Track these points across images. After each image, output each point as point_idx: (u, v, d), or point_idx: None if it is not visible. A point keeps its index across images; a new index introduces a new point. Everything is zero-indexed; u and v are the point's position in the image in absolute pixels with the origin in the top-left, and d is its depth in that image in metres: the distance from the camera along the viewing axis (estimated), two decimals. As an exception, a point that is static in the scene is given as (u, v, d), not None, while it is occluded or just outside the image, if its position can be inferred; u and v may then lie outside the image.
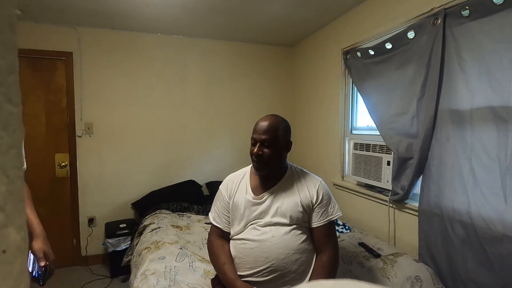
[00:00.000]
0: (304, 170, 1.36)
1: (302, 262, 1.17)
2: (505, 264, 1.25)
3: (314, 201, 1.23)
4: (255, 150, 1.21)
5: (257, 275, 1.16)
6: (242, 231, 1.24)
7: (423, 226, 1.65)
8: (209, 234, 1.35)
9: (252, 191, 1.27)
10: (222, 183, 1.38)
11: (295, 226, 1.20)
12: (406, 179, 1.75)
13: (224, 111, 3.19)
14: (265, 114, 1.35)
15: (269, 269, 1.15)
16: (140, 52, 2.85)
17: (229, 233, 1.29)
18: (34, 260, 1.04)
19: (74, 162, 2.68)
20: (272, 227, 1.19)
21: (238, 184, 1.32)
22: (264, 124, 1.22)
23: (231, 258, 1.24)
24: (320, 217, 1.22)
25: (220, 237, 1.30)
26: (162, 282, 1.42)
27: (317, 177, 1.33)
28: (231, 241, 1.29)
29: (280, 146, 1.22)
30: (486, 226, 1.31)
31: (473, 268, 1.38)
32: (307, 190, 1.25)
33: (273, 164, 1.23)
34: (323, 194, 1.24)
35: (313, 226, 1.22)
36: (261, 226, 1.20)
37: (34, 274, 1.03)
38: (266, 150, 1.20)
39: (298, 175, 1.31)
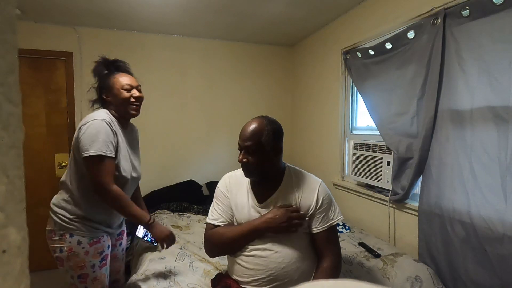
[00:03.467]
0: (303, 171, 1.29)
1: (303, 271, 1.15)
2: (505, 264, 1.25)
3: (314, 206, 1.18)
4: (240, 157, 1.17)
5: (256, 283, 1.13)
6: None
7: (423, 226, 1.65)
8: (207, 231, 1.26)
9: (255, 196, 1.22)
10: (220, 182, 1.31)
11: (295, 233, 1.17)
12: (406, 179, 1.75)
13: (224, 111, 3.19)
14: (265, 114, 1.31)
15: (268, 278, 1.12)
16: (140, 52, 2.85)
17: None
18: (145, 230, 1.59)
19: (74, 162, 2.68)
20: (273, 236, 1.16)
21: (238, 185, 1.27)
22: (248, 129, 1.16)
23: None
24: (320, 222, 1.18)
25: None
26: (162, 282, 1.42)
27: (317, 178, 1.27)
28: None
29: (265, 152, 1.15)
30: (486, 226, 1.31)
31: (473, 268, 1.38)
32: (306, 195, 1.20)
33: (261, 171, 1.18)
34: (323, 198, 1.19)
35: (314, 231, 1.18)
36: (262, 236, 1.16)
37: (146, 239, 1.60)
38: (250, 157, 1.15)
39: (297, 179, 1.25)
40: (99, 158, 1.19)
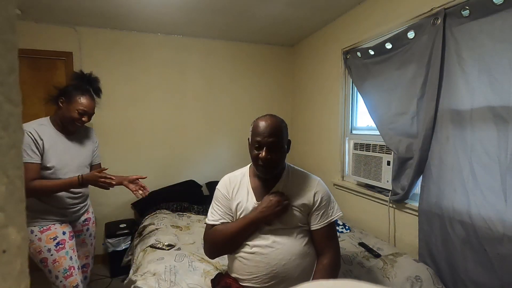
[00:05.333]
0: (301, 170, 1.31)
1: (304, 268, 1.15)
2: (505, 264, 1.25)
3: (312, 203, 1.19)
4: (263, 154, 1.12)
5: (257, 280, 1.13)
6: None
7: (423, 226, 1.65)
8: (206, 231, 1.26)
9: (254, 195, 1.22)
10: (220, 184, 1.30)
11: (295, 230, 1.17)
12: (406, 179, 1.75)
13: (224, 111, 3.19)
14: (265, 113, 1.30)
15: (269, 275, 1.12)
16: (140, 52, 2.85)
17: None
18: None
19: (74, 162, 2.68)
20: (274, 233, 1.16)
21: (238, 186, 1.26)
22: (267, 125, 1.14)
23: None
24: (319, 219, 1.18)
25: None
26: (161, 282, 1.42)
27: (315, 176, 1.28)
28: None
29: (284, 148, 1.18)
30: (486, 226, 1.31)
31: (473, 268, 1.38)
32: (305, 193, 1.21)
33: (278, 167, 1.19)
34: (321, 196, 1.20)
35: (313, 228, 1.18)
36: (262, 233, 1.17)
37: None
38: (273, 154, 1.14)
39: (296, 177, 1.26)
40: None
